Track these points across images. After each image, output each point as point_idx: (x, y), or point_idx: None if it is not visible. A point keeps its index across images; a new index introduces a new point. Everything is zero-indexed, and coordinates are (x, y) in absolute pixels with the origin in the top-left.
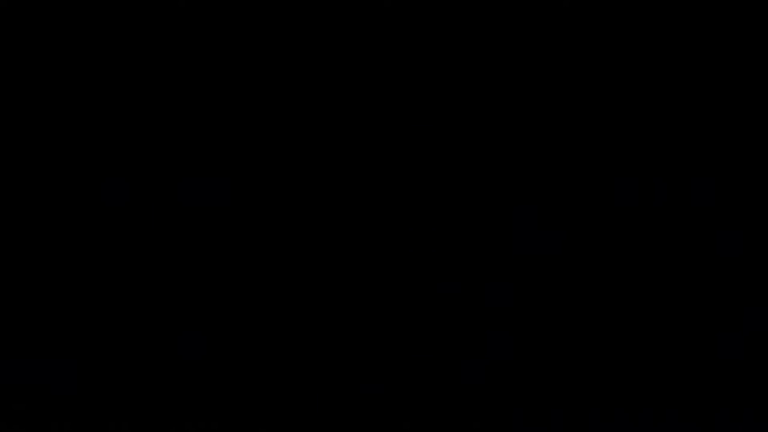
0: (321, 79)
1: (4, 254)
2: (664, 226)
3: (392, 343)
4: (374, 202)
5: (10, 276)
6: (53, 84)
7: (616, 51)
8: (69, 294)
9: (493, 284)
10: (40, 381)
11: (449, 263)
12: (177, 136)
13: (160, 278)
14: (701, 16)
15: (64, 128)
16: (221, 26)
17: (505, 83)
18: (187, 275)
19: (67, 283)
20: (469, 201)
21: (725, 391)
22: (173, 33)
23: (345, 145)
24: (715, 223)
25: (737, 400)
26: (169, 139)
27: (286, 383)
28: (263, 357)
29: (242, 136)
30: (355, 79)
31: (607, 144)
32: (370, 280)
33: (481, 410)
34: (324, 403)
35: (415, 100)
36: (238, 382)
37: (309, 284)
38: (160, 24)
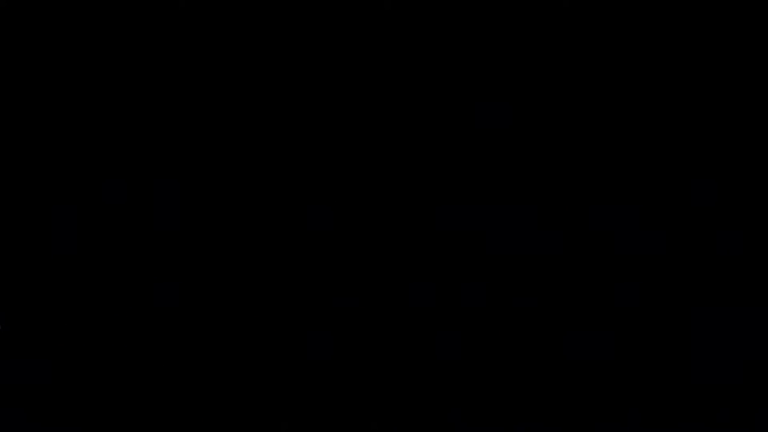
0: (320, 79)
1: (5, 254)
2: (663, 226)
3: (387, 343)
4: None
5: (10, 277)
6: (53, 84)
7: (617, 51)
8: (69, 294)
9: (470, 285)
10: (39, 381)
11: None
12: (177, 136)
13: (160, 278)
14: (701, 16)
15: (65, 128)
16: (221, 27)
17: (506, 84)
18: (186, 275)
19: (66, 282)
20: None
21: (724, 392)
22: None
23: (341, 145)
24: (715, 222)
25: (737, 401)
26: (168, 139)
27: (283, 383)
28: (261, 357)
29: (239, 136)
30: (353, 80)
31: (608, 143)
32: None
33: (482, 410)
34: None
35: (414, 101)
36: (236, 382)
37: (306, 283)
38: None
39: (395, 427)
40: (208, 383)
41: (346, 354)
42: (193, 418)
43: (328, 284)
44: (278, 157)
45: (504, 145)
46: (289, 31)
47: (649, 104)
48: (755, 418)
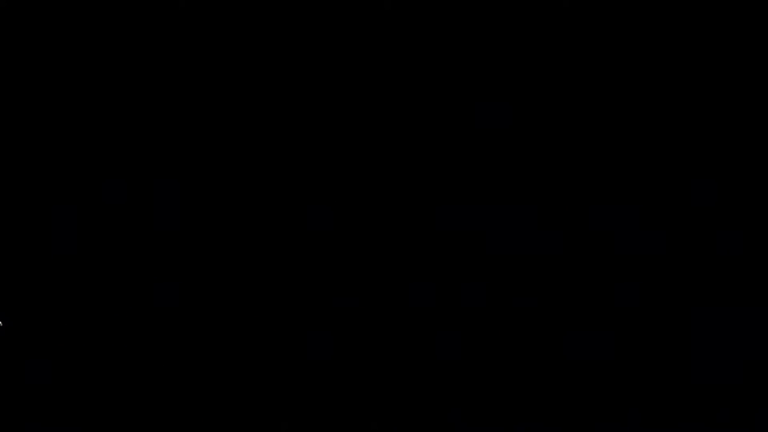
0: (320, 79)
1: (4, 255)
2: (663, 226)
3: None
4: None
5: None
6: (53, 84)
7: (617, 51)
8: (69, 294)
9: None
10: (40, 381)
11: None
12: (177, 136)
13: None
14: (701, 16)
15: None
16: (221, 27)
17: (506, 84)
18: (185, 276)
19: (67, 282)
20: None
21: (724, 392)
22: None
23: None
24: (715, 222)
25: (737, 401)
26: (168, 139)
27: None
28: (261, 357)
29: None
30: (353, 80)
31: (607, 143)
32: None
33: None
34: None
35: (414, 101)
36: (236, 382)
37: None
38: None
39: (395, 427)
40: (208, 383)
41: (346, 354)
42: (193, 418)
43: (328, 284)
44: (278, 157)
45: (504, 145)
46: (289, 31)
47: (649, 104)
48: (755, 418)
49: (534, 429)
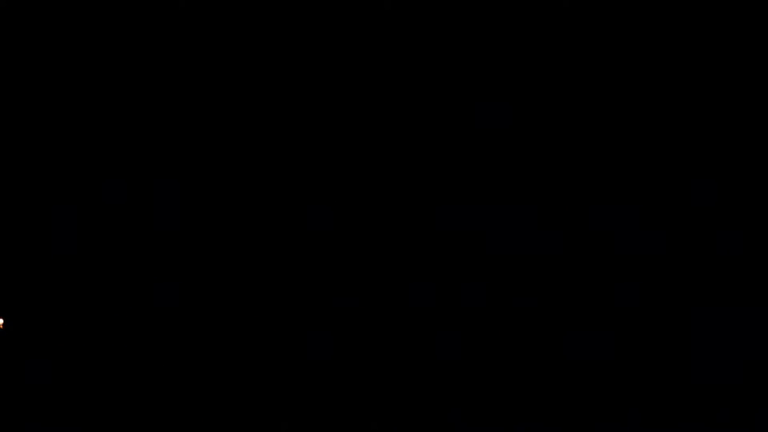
0: (320, 79)
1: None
2: (663, 226)
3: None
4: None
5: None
6: (53, 84)
7: (617, 51)
8: (69, 294)
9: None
10: (40, 381)
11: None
12: (178, 136)
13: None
14: (701, 16)
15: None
16: (221, 27)
17: (506, 84)
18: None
19: (67, 282)
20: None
21: (724, 392)
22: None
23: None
24: (715, 222)
25: (737, 401)
26: (168, 139)
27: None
28: (262, 357)
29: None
30: (353, 80)
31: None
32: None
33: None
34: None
35: (414, 101)
36: (237, 382)
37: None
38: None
39: (395, 427)
40: (208, 383)
41: (346, 354)
42: (193, 418)
43: (328, 284)
44: (278, 157)
45: (504, 145)
46: (289, 31)
47: (648, 104)
48: (755, 418)
49: (534, 429)
